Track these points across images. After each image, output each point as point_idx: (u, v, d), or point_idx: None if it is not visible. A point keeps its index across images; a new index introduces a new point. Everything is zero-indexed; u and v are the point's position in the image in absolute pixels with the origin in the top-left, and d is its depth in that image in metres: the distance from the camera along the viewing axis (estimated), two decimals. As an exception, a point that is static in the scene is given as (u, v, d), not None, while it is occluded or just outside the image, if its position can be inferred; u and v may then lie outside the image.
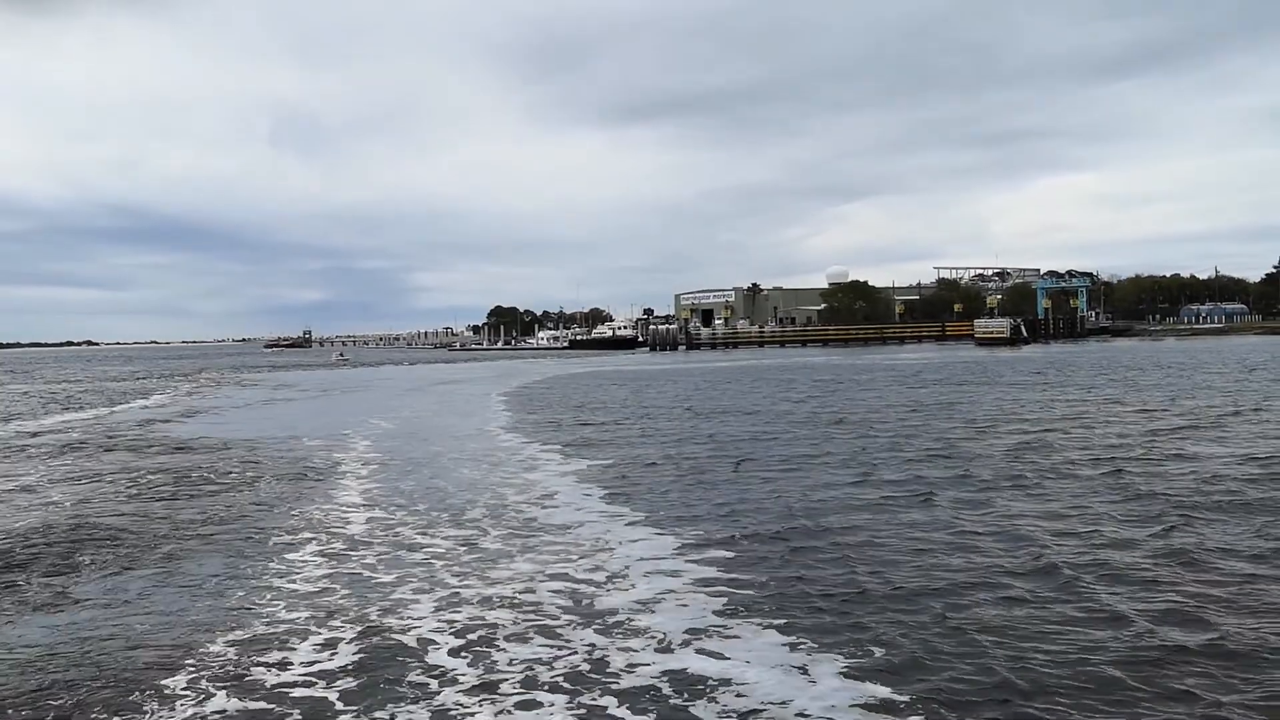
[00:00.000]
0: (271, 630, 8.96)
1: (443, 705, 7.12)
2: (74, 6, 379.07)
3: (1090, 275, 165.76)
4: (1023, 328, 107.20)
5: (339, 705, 7.18)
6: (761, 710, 6.82)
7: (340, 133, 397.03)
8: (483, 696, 7.24)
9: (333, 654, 8.25)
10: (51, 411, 41.97)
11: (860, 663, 7.64)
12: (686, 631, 8.57)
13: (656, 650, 8.15)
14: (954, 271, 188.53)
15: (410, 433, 27.77)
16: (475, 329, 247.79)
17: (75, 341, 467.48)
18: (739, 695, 7.11)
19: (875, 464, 18.58)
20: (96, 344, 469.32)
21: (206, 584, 10.85)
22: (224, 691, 7.44)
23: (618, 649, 8.21)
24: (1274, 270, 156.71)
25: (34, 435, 30.34)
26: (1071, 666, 7.46)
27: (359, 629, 8.90)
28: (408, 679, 7.62)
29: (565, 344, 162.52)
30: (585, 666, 7.84)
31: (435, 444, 24.58)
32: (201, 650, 8.41)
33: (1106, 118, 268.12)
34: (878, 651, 7.89)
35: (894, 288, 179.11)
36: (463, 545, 12.42)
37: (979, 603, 9.21)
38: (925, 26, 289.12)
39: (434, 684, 7.53)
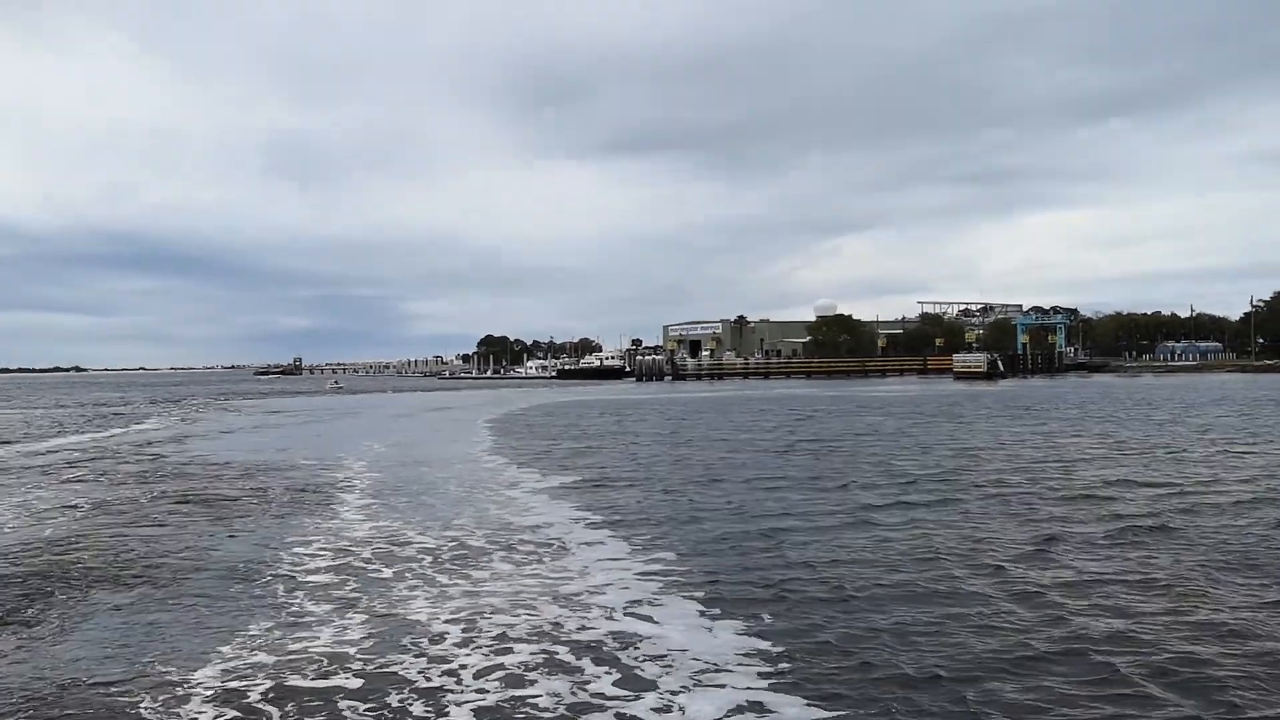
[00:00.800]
0: (300, 611, 11.06)
1: (439, 654, 9.22)
2: (71, 38, 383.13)
3: (1072, 312, 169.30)
4: (999, 363, 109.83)
5: (356, 657, 9.27)
6: (668, 654, 8.99)
7: (334, 164, 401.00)
8: (470, 649, 9.34)
9: (346, 628, 10.35)
10: (49, 435, 43.82)
11: (751, 625, 9.84)
12: (627, 604, 10.74)
13: (604, 618, 10.28)
14: (938, 306, 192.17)
15: (402, 455, 29.81)
16: (465, 358, 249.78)
17: (63, 367, 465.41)
18: (655, 644, 9.29)
19: (822, 481, 20.75)
20: (84, 370, 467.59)
21: (238, 573, 12.93)
22: (263, 653, 9.54)
23: (574, 616, 10.34)
24: (1250, 310, 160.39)
25: (39, 455, 32.27)
26: (925, 627, 9.61)
27: (369, 608, 11.00)
28: (409, 639, 9.70)
29: (554, 373, 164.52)
30: (547, 627, 9.97)
31: (425, 465, 26.65)
32: (242, 630, 10.51)
33: (1095, 158, 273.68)
34: (767, 619, 10.09)
35: (878, 321, 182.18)
36: (451, 544, 14.53)
37: (870, 589, 11.36)
38: (916, 68, 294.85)
39: (426, 642, 9.62)
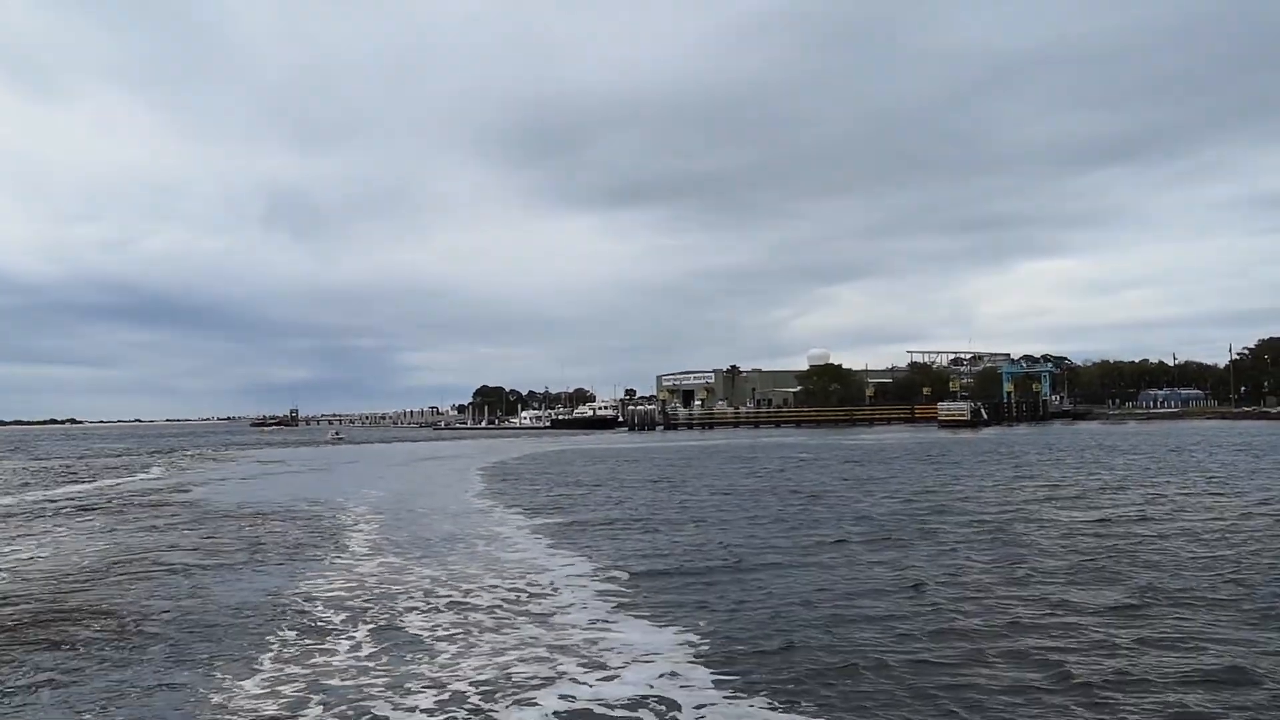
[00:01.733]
0: (321, 617, 13.40)
1: (434, 650, 11.56)
2: (75, 90, 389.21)
3: (1061, 360, 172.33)
4: (983, 411, 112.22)
5: (370, 654, 11.59)
6: (615, 646, 11.36)
7: (333, 215, 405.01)
8: (460, 645, 11.68)
9: (357, 636, 12.69)
10: (79, 480, 46.02)
11: (691, 624, 12.23)
12: (591, 617, 13.09)
13: (573, 627, 12.61)
14: (927, 356, 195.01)
15: (399, 499, 32.11)
16: (460, 408, 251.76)
17: (59, 420, 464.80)
18: (610, 637, 11.65)
19: (786, 519, 23.10)
20: (80, 422, 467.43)
21: (270, 587, 15.25)
22: (297, 633, 11.87)
23: (541, 620, 12.69)
24: (1235, 358, 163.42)
25: (54, 502, 34.49)
26: (846, 620, 11.96)
27: (379, 618, 13.33)
28: (409, 642, 12.03)
29: (547, 424, 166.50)
30: (524, 620, 12.32)
31: (421, 507, 28.97)
32: (279, 632, 12.86)
33: (1087, 204, 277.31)
34: (703, 624, 12.47)
35: (867, 370, 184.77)
36: (444, 571, 16.85)
37: (815, 606, 13.71)
38: (910, 117, 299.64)
39: (427, 638, 11.94)
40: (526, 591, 14.90)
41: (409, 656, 11.28)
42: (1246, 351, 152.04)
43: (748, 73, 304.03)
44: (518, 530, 22.74)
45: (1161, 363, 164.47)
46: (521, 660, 10.91)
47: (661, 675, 10.17)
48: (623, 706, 9.33)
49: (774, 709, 9.12)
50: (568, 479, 41.23)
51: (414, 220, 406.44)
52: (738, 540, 20.02)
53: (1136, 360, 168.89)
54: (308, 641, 12.11)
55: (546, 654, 11.17)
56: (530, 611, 13.43)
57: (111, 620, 13.52)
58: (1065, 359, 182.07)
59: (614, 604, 13.88)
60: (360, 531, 23.15)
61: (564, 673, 10.35)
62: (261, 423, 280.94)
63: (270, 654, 11.39)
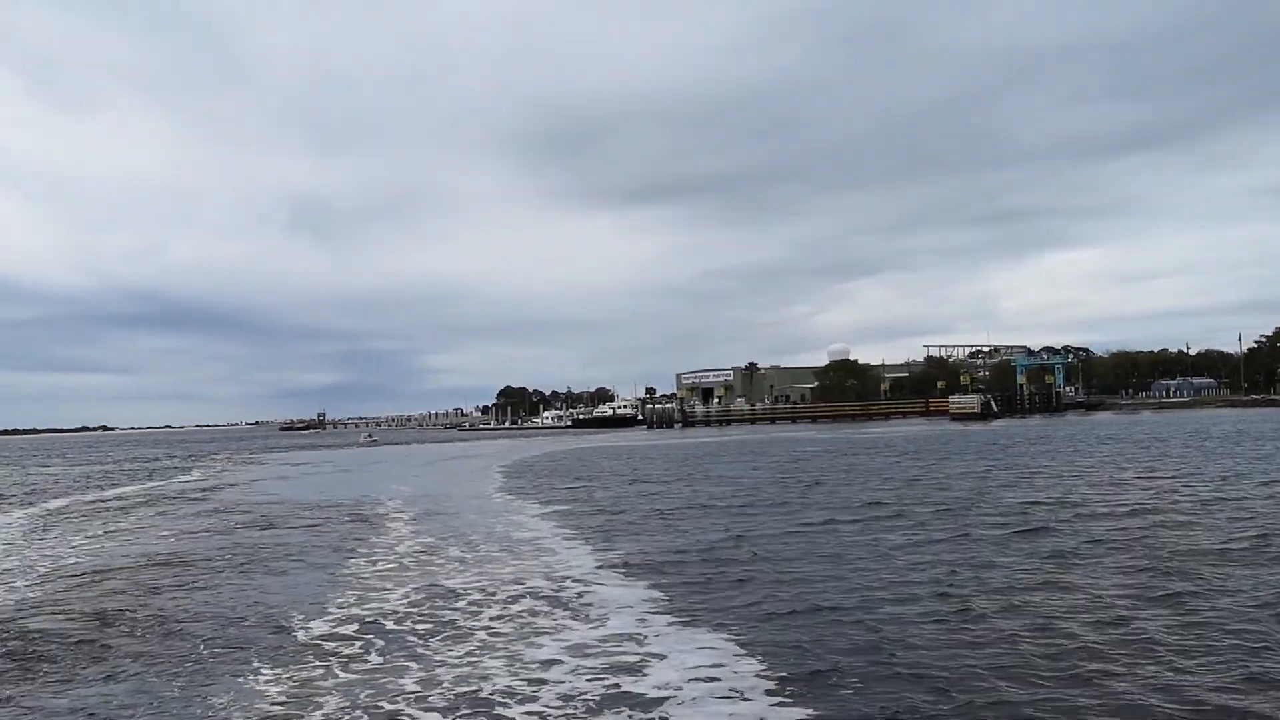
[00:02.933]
0: (372, 588, 16.45)
1: (469, 598, 14.54)
2: (100, 101, 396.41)
3: (1083, 350, 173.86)
4: (993, 403, 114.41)
5: (412, 617, 14.59)
6: (608, 601, 14.29)
7: (354, 219, 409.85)
8: (490, 613, 14.61)
9: (406, 600, 15.72)
10: (117, 484, 49.50)
11: (670, 590, 15.16)
12: (580, 580, 16.06)
13: (574, 590, 15.57)
14: (943, 350, 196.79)
15: (427, 494, 35.25)
16: (484, 409, 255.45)
17: (90, 427, 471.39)
18: (601, 593, 14.63)
19: (786, 505, 26.02)
20: (111, 429, 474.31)
21: (328, 567, 18.31)
22: (356, 604, 14.92)
23: (556, 589, 15.65)
24: (1254, 345, 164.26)
25: (111, 501, 37.82)
26: (812, 578, 14.86)
27: (421, 587, 16.34)
28: (447, 615, 14.94)
29: (568, 423, 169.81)
30: (538, 581, 15.30)
31: (447, 500, 32.05)
32: (336, 599, 15.92)
33: (1110, 195, 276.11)
34: (664, 580, 15.38)
35: (883, 365, 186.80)
36: (469, 552, 19.88)
37: (798, 584, 16.61)
38: (928, 112, 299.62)
39: (460, 617, 14.91)
40: (536, 562, 17.89)
41: (444, 605, 14.33)
42: (1264, 339, 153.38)
43: (765, 71, 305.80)
44: (530, 517, 25.88)
45: (1181, 352, 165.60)
46: (531, 613, 13.86)
47: (634, 618, 13.12)
48: (606, 641, 12.26)
49: (710, 633, 12.01)
50: (580, 475, 44.27)
51: (435, 222, 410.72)
52: (725, 523, 22.95)
53: (1155, 350, 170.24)
54: (359, 596, 15.15)
55: (547, 607, 14.12)
56: (539, 575, 16.39)
57: (206, 580, 16.66)
58: (1087, 350, 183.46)
59: (599, 562, 17.03)
60: (398, 520, 26.32)
61: (562, 625, 13.26)
62: (290, 426, 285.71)
63: (342, 597, 14.46)
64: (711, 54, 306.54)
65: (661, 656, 11.21)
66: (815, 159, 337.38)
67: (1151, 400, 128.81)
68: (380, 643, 12.41)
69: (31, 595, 17.03)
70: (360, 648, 12.23)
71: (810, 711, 9.15)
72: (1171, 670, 10.00)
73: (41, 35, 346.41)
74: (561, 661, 11.22)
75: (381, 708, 9.80)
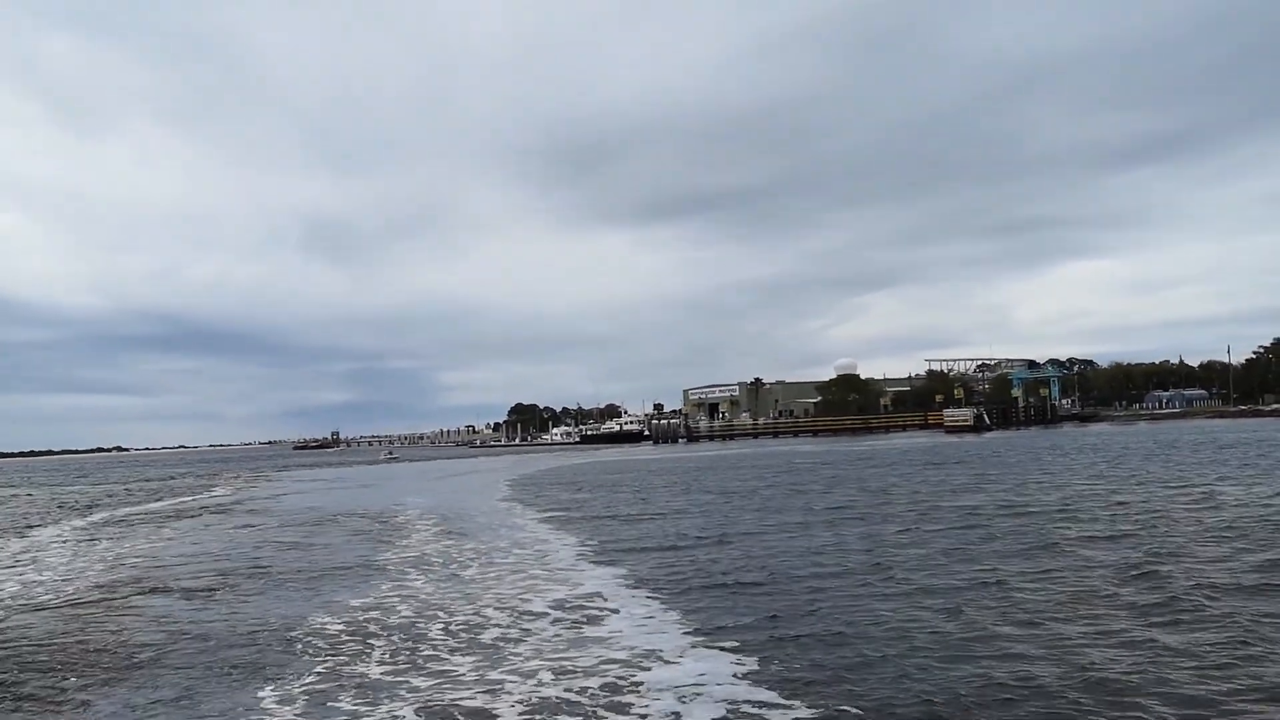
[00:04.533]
0: (399, 575, 20.28)
1: (479, 581, 18.32)
2: (118, 124, 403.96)
3: (1087, 363, 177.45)
4: (985, 416, 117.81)
5: (435, 595, 18.39)
6: (585, 576, 18.06)
7: (370, 239, 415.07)
8: (493, 583, 18.38)
9: (427, 584, 19.52)
10: (156, 499, 53.44)
11: (649, 579, 18.88)
12: (567, 564, 19.85)
13: (567, 580, 19.35)
14: (945, 364, 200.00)
15: (441, 504, 39.11)
16: (495, 426, 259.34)
17: (105, 448, 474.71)
18: (580, 569, 18.40)
19: (765, 507, 29.76)
20: (126, 450, 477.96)
21: (366, 563, 22.15)
22: (389, 588, 18.74)
23: (543, 566, 19.43)
24: (1253, 356, 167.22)
25: (156, 514, 41.70)
26: (791, 570, 18.60)
27: (443, 573, 20.12)
28: (469, 589, 18.72)
29: (577, 439, 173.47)
30: (533, 568, 19.08)
31: (459, 509, 35.90)
32: (371, 583, 19.77)
33: (1123, 204, 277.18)
34: (629, 563, 19.13)
35: (886, 379, 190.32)
36: (481, 545, 23.72)
37: (781, 580, 20.36)
38: (939, 123, 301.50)
39: (474, 576, 18.67)
40: (532, 555, 21.69)
41: (459, 585, 18.08)
42: (1262, 350, 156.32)
43: (777, 85, 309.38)
44: (529, 521, 29.88)
45: (1184, 362, 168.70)
46: (532, 591, 17.62)
47: (607, 587, 16.91)
48: (579, 598, 16.03)
49: (661, 603, 15.74)
50: (580, 485, 48.10)
51: (449, 241, 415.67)
52: (699, 523, 26.74)
53: (1158, 362, 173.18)
54: (391, 587, 18.95)
55: (543, 583, 17.89)
56: (535, 564, 20.17)
57: (258, 573, 20.47)
58: (1091, 362, 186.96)
59: (576, 554, 21.06)
60: (419, 525, 30.17)
61: (562, 601, 17.04)
62: (304, 446, 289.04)
63: (377, 584, 18.23)
64: (723, 69, 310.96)
65: (616, 611, 15.03)
66: (827, 172, 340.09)
67: (1145, 412, 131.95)
68: (429, 578, 16.29)
69: (139, 575, 20.87)
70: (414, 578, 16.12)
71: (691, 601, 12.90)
72: (1019, 609, 13.73)
73: (61, 61, 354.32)
74: (546, 612, 15.02)
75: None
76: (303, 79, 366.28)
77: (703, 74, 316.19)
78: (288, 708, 10.64)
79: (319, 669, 12.18)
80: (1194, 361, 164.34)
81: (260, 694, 11.22)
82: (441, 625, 14.45)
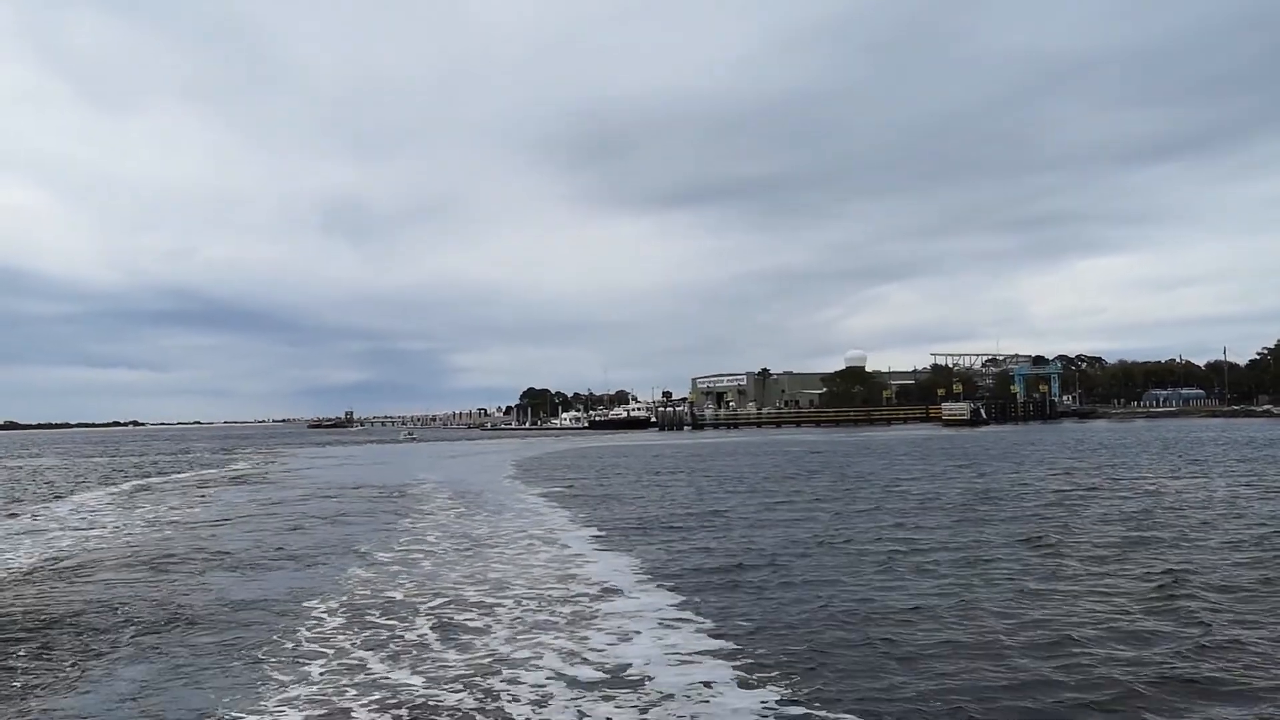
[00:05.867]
0: (419, 541, 23.68)
1: (492, 546, 21.68)
2: (141, 104, 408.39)
3: (1096, 359, 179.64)
4: (982, 411, 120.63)
5: (450, 560, 21.76)
6: (571, 539, 21.41)
7: (387, 222, 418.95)
8: (501, 546, 21.71)
9: (446, 548, 22.90)
10: (180, 470, 57.11)
11: (649, 557, 22.22)
12: (561, 539, 23.23)
13: (565, 556, 22.69)
14: (950, 358, 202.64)
15: (452, 480, 42.59)
16: (506, 410, 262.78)
17: (121, 422, 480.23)
18: (589, 563, 21.78)
19: (751, 487, 33.09)
20: (142, 424, 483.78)
21: (388, 525, 25.56)
22: (400, 564, 22.15)
23: (541, 537, 22.78)
24: (1256, 357, 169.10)
25: (199, 484, 45.25)
26: (786, 554, 21.92)
27: (462, 541, 23.45)
28: (480, 559, 22.01)
29: (585, 424, 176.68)
30: (534, 541, 22.46)
31: (469, 485, 39.34)
32: (390, 547, 23.20)
33: (1141, 202, 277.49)
34: (616, 538, 22.48)
35: (891, 372, 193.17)
36: (492, 514, 27.15)
37: (765, 562, 23.66)
38: (957, 119, 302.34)
39: (487, 538, 22.01)
40: (529, 528, 25.06)
41: (476, 551, 21.42)
42: (1265, 352, 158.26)
43: (797, 78, 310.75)
44: (530, 496, 33.31)
45: (1189, 362, 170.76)
46: (538, 567, 20.92)
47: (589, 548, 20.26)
48: (569, 556, 19.35)
49: (661, 588, 19.01)
50: (580, 467, 51.53)
51: (466, 226, 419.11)
52: (680, 508, 30.09)
53: (1163, 360, 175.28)
54: (415, 540, 22.30)
55: (543, 567, 21.21)
56: (535, 535, 23.53)
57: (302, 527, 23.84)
58: (1100, 359, 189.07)
59: (565, 518, 24.49)
60: (434, 496, 33.63)
61: (572, 578, 20.34)
62: (318, 424, 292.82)
63: (399, 542, 21.58)
64: (744, 61, 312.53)
65: (592, 561, 18.44)
66: (846, 164, 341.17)
67: (1142, 410, 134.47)
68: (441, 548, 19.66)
69: (186, 536, 24.26)
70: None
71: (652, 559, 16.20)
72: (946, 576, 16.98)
73: (90, 42, 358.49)
74: (539, 566, 18.38)
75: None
76: (328, 63, 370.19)
77: (726, 66, 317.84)
78: (334, 619, 13.99)
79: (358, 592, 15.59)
80: (1202, 361, 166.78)
81: (309, 604, 14.59)
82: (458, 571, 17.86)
